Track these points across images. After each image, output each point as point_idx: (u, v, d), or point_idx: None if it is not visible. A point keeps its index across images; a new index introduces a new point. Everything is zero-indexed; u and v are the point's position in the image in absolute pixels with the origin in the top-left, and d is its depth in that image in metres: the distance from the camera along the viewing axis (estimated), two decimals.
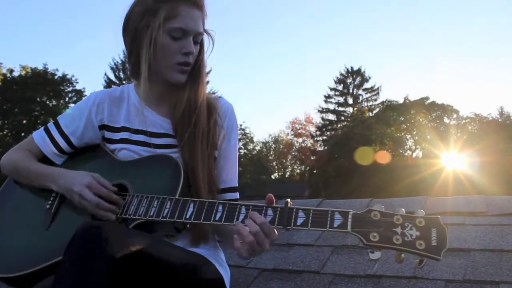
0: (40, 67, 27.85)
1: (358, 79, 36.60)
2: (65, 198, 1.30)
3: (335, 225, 1.00)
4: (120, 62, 29.30)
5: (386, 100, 33.89)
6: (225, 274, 1.32)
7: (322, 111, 37.42)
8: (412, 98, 30.43)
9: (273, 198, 1.09)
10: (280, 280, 1.70)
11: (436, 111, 29.14)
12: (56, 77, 27.89)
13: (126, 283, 1.00)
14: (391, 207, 1.03)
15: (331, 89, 37.07)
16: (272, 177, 42.21)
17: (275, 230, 1.05)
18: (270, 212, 1.06)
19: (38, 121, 26.80)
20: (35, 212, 1.30)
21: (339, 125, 36.50)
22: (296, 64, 63.47)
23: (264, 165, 40.14)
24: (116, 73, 29.76)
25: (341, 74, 36.93)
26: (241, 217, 1.08)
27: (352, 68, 36.75)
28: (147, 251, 1.04)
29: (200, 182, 1.26)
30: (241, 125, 35.52)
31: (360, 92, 36.70)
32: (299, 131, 40.53)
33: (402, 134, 28.30)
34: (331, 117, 37.39)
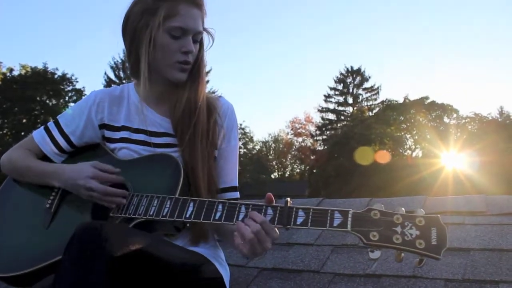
0: (40, 66, 27.91)
1: (358, 78, 36.61)
2: (65, 197, 1.30)
3: (335, 224, 1.00)
4: (120, 61, 29.28)
5: (386, 99, 33.94)
6: (225, 273, 1.32)
7: (322, 110, 37.45)
8: (412, 97, 30.52)
9: (273, 197, 1.08)
10: (280, 280, 1.70)
11: (436, 111, 29.17)
12: (56, 76, 27.88)
13: (126, 282, 1.00)
14: (391, 206, 1.02)
15: (331, 88, 37.12)
16: (272, 176, 42.23)
17: (276, 229, 1.05)
18: (270, 211, 1.06)
19: (38, 120, 26.80)
20: (34, 212, 1.30)
21: (339, 125, 36.50)
22: (296, 64, 63.54)
23: (264, 165, 40.16)
24: (116, 72, 29.75)
25: (341, 74, 36.97)
26: (241, 216, 1.08)
27: (352, 67, 36.78)
28: (147, 251, 1.04)
29: (200, 182, 1.26)
30: (241, 125, 35.52)
31: (360, 91, 36.72)
32: (299, 130, 40.57)
33: (402, 133, 28.32)
34: (331, 116, 37.43)
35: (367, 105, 36.55)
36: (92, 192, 1.20)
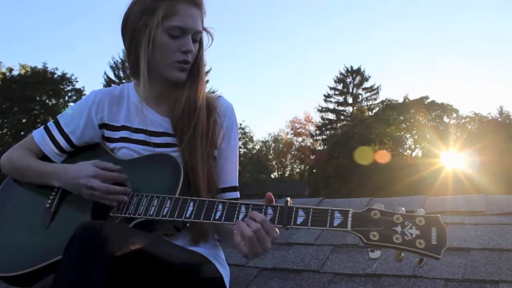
0: (40, 66, 27.90)
1: (358, 78, 36.60)
2: (65, 197, 1.30)
3: (335, 224, 1.00)
4: (119, 61, 29.28)
5: (386, 99, 33.90)
6: (225, 273, 1.32)
7: (322, 110, 37.45)
8: (412, 97, 30.51)
9: (273, 197, 1.08)
10: (280, 279, 1.70)
11: (435, 111, 29.16)
12: (55, 76, 27.88)
13: (126, 282, 1.00)
14: (391, 206, 1.02)
15: (331, 88, 37.11)
16: (272, 176, 42.23)
17: (276, 229, 1.05)
18: (270, 211, 1.06)
19: (38, 120, 26.79)
20: (34, 211, 1.30)
21: (338, 125, 36.49)
22: (296, 64, 63.53)
23: (263, 164, 40.15)
24: (116, 72, 29.75)
25: (341, 74, 36.96)
26: (241, 216, 1.07)
27: (352, 67, 36.77)
28: (147, 250, 1.04)
29: (200, 181, 1.26)
30: (240, 124, 35.53)
31: (360, 91, 36.71)
32: (298, 130, 40.58)
33: (402, 133, 28.32)
34: (331, 116, 37.43)
35: (367, 105, 36.56)
36: (93, 191, 1.20)
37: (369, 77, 36.58)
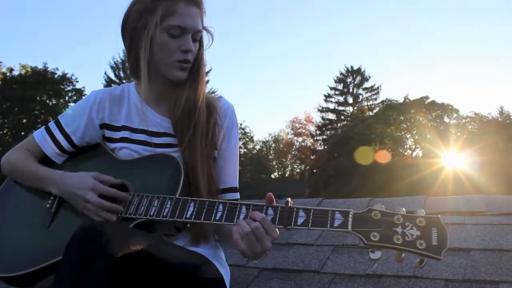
0: (40, 66, 27.89)
1: (358, 78, 36.60)
2: None
3: (335, 225, 1.00)
4: (120, 61, 29.28)
5: (386, 99, 33.94)
6: (225, 273, 1.32)
7: (322, 110, 37.44)
8: (412, 97, 30.53)
9: (273, 197, 1.08)
10: (280, 280, 1.70)
11: (436, 111, 29.16)
12: (56, 76, 27.88)
13: (126, 282, 1.00)
14: (391, 206, 1.02)
15: (331, 88, 37.10)
16: (272, 176, 42.22)
17: (276, 229, 1.05)
18: (270, 211, 1.06)
19: (38, 120, 26.80)
20: (35, 212, 1.30)
21: (339, 125, 36.49)
22: (296, 64, 63.56)
23: (264, 165, 40.13)
24: (116, 72, 29.75)
25: (341, 74, 36.96)
26: (241, 217, 1.07)
27: (352, 67, 36.76)
28: (147, 251, 1.04)
29: (200, 182, 1.26)
30: (241, 124, 35.51)
31: (360, 91, 36.71)
32: (299, 130, 40.56)
33: (402, 133, 28.32)
34: (331, 116, 37.42)
35: (367, 105, 36.56)
36: (87, 203, 1.18)
37: (369, 77, 36.63)
